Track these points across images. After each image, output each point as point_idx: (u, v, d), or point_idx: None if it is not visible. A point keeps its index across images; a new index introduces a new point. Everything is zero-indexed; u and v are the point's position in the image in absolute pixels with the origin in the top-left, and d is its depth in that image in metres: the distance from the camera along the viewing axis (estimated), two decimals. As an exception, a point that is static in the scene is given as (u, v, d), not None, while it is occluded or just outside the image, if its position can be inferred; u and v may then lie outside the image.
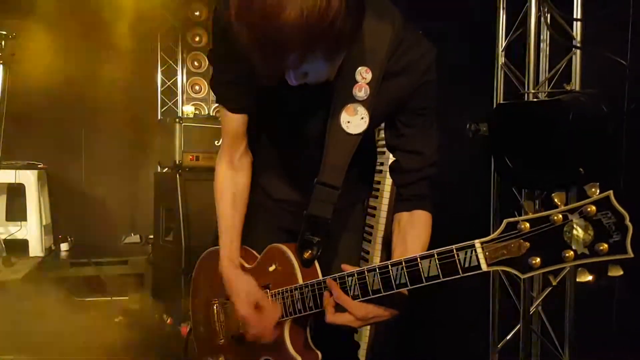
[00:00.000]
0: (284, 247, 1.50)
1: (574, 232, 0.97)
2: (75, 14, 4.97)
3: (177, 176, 4.29)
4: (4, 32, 4.32)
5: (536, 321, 2.52)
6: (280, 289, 1.47)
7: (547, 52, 2.39)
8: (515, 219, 1.04)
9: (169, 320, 3.62)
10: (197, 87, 5.95)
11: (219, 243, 1.57)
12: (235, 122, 1.49)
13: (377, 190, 2.94)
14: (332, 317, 1.32)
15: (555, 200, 1.00)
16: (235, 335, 1.61)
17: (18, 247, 4.58)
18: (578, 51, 2.21)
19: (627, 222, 0.94)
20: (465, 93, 2.84)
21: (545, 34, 2.37)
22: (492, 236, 1.07)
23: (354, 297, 1.29)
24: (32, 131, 5.05)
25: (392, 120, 1.44)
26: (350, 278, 1.29)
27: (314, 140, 1.40)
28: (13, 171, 4.54)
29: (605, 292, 2.10)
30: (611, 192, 0.95)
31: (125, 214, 5.58)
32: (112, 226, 5.49)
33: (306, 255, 1.45)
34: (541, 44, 2.37)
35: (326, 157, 1.38)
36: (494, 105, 2.54)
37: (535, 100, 2.34)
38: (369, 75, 1.31)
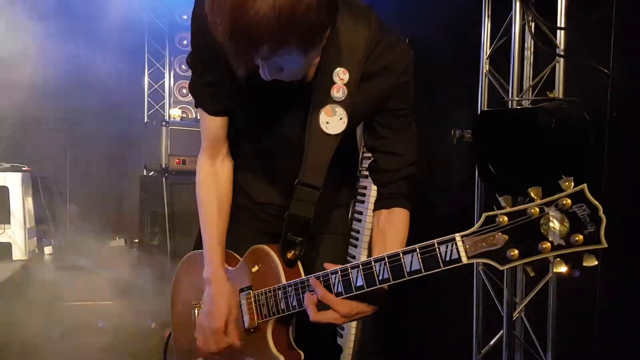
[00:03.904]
0: (267, 248, 1.51)
1: (551, 224, 1.01)
2: (62, 15, 4.94)
3: (163, 180, 4.28)
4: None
5: (519, 327, 2.53)
6: (263, 289, 1.48)
7: (531, 60, 2.41)
8: (494, 212, 1.07)
9: (153, 325, 3.60)
10: (184, 90, 5.96)
11: (203, 249, 1.57)
12: (215, 125, 1.49)
13: (363, 195, 2.95)
14: (316, 316, 1.32)
15: (532, 194, 1.03)
16: None
17: (1, 250, 4.54)
18: (562, 59, 2.24)
19: (601, 213, 0.97)
20: (455, 99, 2.87)
21: (530, 42, 2.39)
22: (471, 230, 1.10)
23: (338, 295, 1.30)
24: (17, 133, 5.00)
25: (370, 122, 1.46)
26: (333, 276, 1.30)
27: (294, 142, 1.41)
28: (-3, 173, 4.51)
29: (587, 298, 2.11)
30: (585, 185, 0.98)
31: (110, 217, 5.54)
32: (96, 229, 5.45)
33: (289, 255, 1.46)
34: (525, 52, 2.40)
35: (306, 157, 1.39)
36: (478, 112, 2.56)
37: (518, 107, 2.36)
38: (346, 77, 1.32)
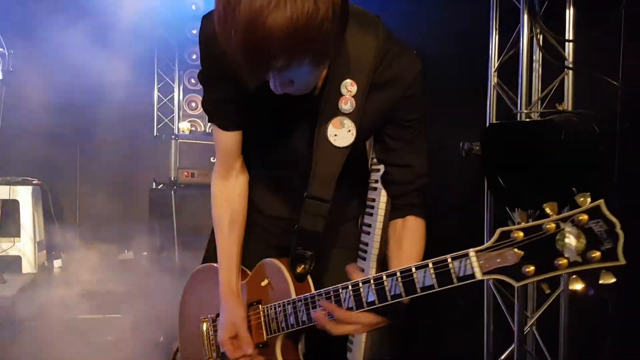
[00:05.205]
0: (277, 262, 1.49)
1: (567, 240, 0.98)
2: (72, 31, 4.99)
3: (172, 192, 4.30)
4: (2, 49, 4.36)
5: (530, 341, 2.51)
6: (272, 304, 1.46)
7: (540, 73, 2.42)
8: (509, 227, 1.05)
9: (161, 338, 3.59)
10: (193, 104, 6.00)
11: (219, 268, 1.56)
12: (228, 139, 1.49)
13: (372, 207, 2.94)
14: (333, 329, 1.29)
15: (547, 209, 1.01)
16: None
17: (11, 263, 4.55)
18: (570, 71, 2.24)
19: (619, 229, 0.95)
20: (463, 111, 2.87)
21: (538, 55, 2.39)
22: (486, 245, 1.07)
23: (348, 310, 1.27)
24: (27, 147, 5.04)
25: (380, 134, 1.44)
26: (344, 291, 1.28)
27: (303, 155, 1.40)
28: (7, 187, 4.53)
29: (600, 312, 2.09)
30: (602, 200, 0.96)
31: (119, 230, 5.55)
32: (106, 243, 5.47)
33: (299, 269, 1.44)
34: (533, 65, 2.40)
35: (315, 170, 1.38)
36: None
37: (527, 120, 2.36)
38: (354, 88, 1.30)
